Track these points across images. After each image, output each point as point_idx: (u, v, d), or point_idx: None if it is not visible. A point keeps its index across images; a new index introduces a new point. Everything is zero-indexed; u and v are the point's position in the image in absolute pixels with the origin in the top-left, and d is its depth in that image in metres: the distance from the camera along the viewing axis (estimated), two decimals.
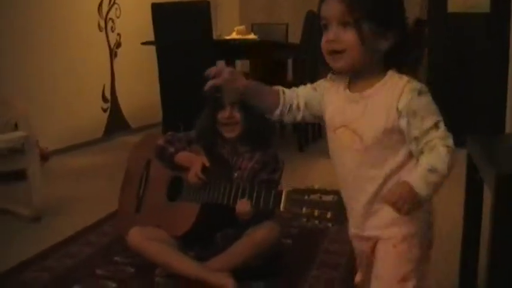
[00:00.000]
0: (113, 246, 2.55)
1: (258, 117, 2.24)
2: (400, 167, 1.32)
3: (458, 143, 2.18)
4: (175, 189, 2.32)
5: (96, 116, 5.29)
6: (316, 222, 1.86)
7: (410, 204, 1.21)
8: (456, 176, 2.05)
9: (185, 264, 2.14)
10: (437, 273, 2.23)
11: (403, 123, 1.27)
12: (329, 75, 1.45)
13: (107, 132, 5.39)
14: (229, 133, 2.27)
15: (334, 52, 1.32)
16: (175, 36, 3.98)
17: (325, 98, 1.44)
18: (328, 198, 1.86)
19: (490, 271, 1.47)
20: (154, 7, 4.01)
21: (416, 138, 1.26)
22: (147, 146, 2.52)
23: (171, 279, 2.16)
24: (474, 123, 4.40)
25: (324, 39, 1.33)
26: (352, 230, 1.46)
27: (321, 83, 1.47)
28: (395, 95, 1.28)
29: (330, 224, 1.85)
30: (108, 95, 5.42)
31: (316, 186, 1.90)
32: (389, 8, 1.32)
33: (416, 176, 1.23)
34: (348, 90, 1.38)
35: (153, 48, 4.30)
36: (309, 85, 1.49)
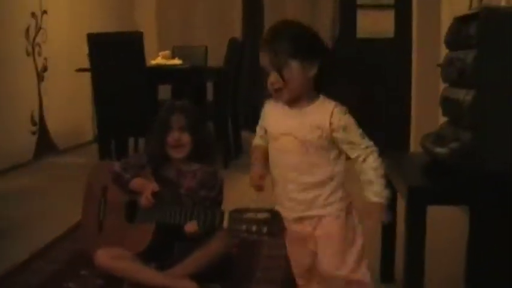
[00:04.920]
0: (77, 261, 2.80)
1: (203, 138, 2.61)
2: (329, 165, 1.82)
3: None
4: (132, 211, 2.61)
5: (25, 139, 5.44)
6: (255, 236, 2.24)
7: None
8: None
9: (151, 276, 2.45)
10: None
11: (336, 135, 1.77)
12: (269, 101, 1.92)
13: (36, 154, 5.54)
14: (177, 154, 2.56)
15: (277, 90, 1.79)
16: (111, 63, 4.29)
17: (267, 116, 1.91)
18: (263, 215, 2.24)
19: (405, 261, 1.92)
20: (91, 37, 4.28)
21: (352, 143, 1.78)
22: (102, 172, 2.80)
23: None
24: (382, 141, 4.92)
25: (268, 81, 1.81)
26: (293, 215, 1.90)
27: (264, 110, 1.94)
28: (327, 115, 1.77)
29: (266, 238, 2.23)
30: (36, 118, 5.58)
31: (252, 206, 2.28)
32: (309, 46, 1.77)
33: (378, 189, 1.76)
34: (287, 107, 1.84)
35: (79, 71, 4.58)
36: (258, 126, 1.99)
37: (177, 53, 5.90)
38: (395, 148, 4.82)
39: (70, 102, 6.13)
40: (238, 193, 2.83)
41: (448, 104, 2.20)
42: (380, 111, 5.16)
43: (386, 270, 2.50)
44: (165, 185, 2.54)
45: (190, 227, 2.38)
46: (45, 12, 5.68)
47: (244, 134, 6.31)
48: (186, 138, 2.55)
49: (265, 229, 2.19)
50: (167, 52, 5.38)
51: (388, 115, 5.13)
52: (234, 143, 5.58)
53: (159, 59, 5.21)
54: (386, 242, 2.49)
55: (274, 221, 2.10)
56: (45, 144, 5.71)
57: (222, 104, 5.23)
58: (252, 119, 7.06)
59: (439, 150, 2.07)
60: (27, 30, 5.41)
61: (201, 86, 5.76)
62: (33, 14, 5.49)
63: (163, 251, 2.54)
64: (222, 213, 2.29)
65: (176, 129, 2.55)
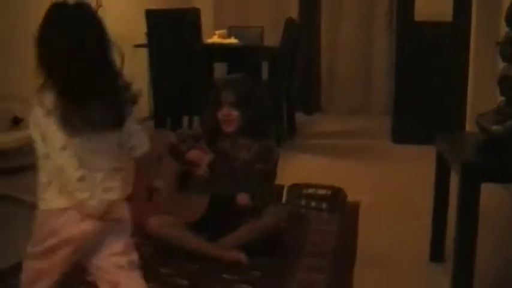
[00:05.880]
0: None
1: (255, 113, 2.63)
2: None
3: (429, 139, 2.65)
4: (184, 182, 2.68)
5: None
6: (313, 212, 2.25)
7: None
8: (426, 166, 2.49)
9: (201, 245, 2.50)
10: (410, 245, 2.67)
11: None
12: None
13: None
14: (228, 128, 2.60)
15: None
16: (168, 40, 4.34)
17: None
18: (323, 191, 2.26)
19: (457, 237, 1.89)
20: (149, 14, 4.35)
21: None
22: (157, 142, 2.86)
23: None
24: (440, 122, 4.87)
25: None
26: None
27: None
28: None
29: (325, 214, 2.24)
30: None
31: (313, 182, 2.29)
32: None
33: None
34: None
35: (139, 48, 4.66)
36: None
37: (232, 33, 5.91)
38: (451, 128, 4.74)
39: (127, 78, 6.23)
40: (290, 173, 2.82)
41: (506, 83, 2.15)
42: (436, 93, 5.07)
43: (436, 250, 2.48)
44: (221, 157, 2.59)
45: (243, 199, 2.42)
46: None
47: (298, 115, 6.30)
48: (234, 113, 2.59)
49: (324, 205, 2.20)
50: (223, 31, 5.41)
51: (445, 97, 5.05)
52: (288, 124, 5.57)
53: (215, 37, 5.24)
54: (437, 221, 2.46)
55: (336, 198, 2.09)
56: None
57: (277, 84, 5.23)
58: (306, 101, 7.05)
59: (495, 128, 2.03)
60: None
61: (256, 65, 5.77)
62: None
63: (214, 222, 2.58)
64: (282, 187, 2.30)
65: (226, 104, 2.59)
